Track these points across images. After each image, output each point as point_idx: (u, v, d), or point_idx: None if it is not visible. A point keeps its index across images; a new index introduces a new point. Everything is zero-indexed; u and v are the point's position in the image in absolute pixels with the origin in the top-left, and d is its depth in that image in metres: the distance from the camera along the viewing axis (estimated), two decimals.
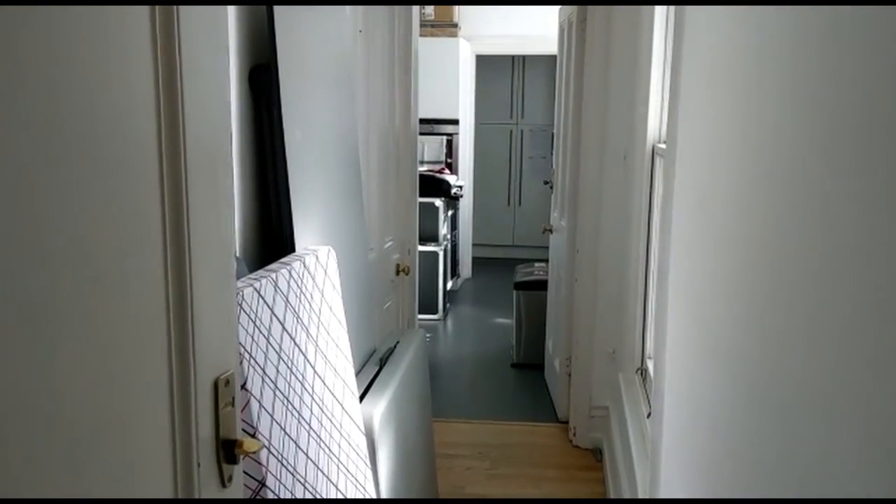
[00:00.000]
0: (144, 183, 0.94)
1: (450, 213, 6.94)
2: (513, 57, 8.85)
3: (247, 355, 1.52)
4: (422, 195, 4.48)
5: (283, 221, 2.09)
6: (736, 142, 1.84)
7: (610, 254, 3.85)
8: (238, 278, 1.73)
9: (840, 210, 0.87)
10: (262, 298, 1.63)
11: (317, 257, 1.99)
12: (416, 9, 4.03)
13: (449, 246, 6.88)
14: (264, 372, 1.59)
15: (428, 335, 5.99)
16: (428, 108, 5.66)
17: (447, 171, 7.33)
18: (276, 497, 1.54)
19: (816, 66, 1.01)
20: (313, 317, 1.90)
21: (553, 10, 6.73)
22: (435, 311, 6.41)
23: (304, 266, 1.89)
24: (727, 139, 1.86)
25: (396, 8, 3.74)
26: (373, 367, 2.62)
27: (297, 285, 1.82)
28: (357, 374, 2.46)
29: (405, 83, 3.92)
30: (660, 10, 2.74)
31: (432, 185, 6.55)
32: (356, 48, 3.03)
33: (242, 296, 1.54)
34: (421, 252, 4.91)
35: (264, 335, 1.61)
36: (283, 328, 1.71)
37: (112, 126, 0.87)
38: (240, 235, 2.03)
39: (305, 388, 1.79)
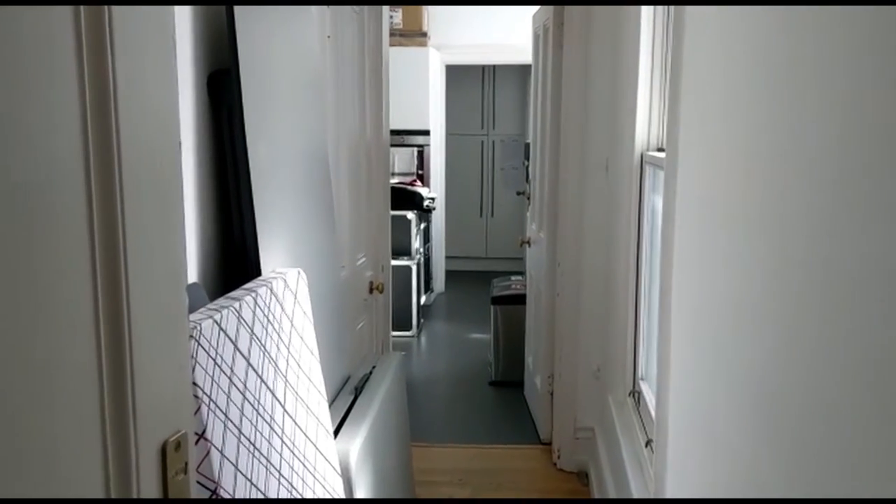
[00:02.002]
0: (66, 211, 0.75)
1: (422, 225, 6.76)
2: (483, 67, 8.72)
3: (206, 399, 1.33)
4: (393, 208, 4.30)
5: (248, 242, 1.89)
6: (744, 150, 1.70)
7: (593, 267, 3.70)
8: (196, 308, 1.54)
9: (855, 222, 0.83)
10: (224, 331, 1.43)
11: (285, 281, 1.79)
12: (385, 16, 3.86)
13: (422, 260, 6.70)
14: (226, 416, 1.39)
15: (402, 353, 5.79)
16: (398, 118, 5.49)
17: (419, 182, 7.16)
18: None
19: (837, 65, 0.89)
20: (282, 349, 1.70)
21: (524, 18, 6.61)
22: (409, 328, 6.21)
23: (272, 292, 1.70)
24: (734, 147, 1.71)
25: (365, 12, 3.57)
26: (347, 396, 2.42)
27: (264, 314, 1.63)
28: (330, 405, 2.27)
29: (376, 92, 3.75)
30: (646, 11, 2.59)
31: (404, 198, 6.37)
32: (325, 54, 2.84)
33: (200, 329, 1.35)
34: (394, 266, 4.72)
35: (226, 374, 1.42)
36: (249, 363, 1.52)
37: (23, 149, 0.69)
38: (199, 259, 1.83)
39: (274, 431, 1.59)
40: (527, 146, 7.58)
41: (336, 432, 2.14)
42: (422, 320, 6.52)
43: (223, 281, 1.94)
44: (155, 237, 0.88)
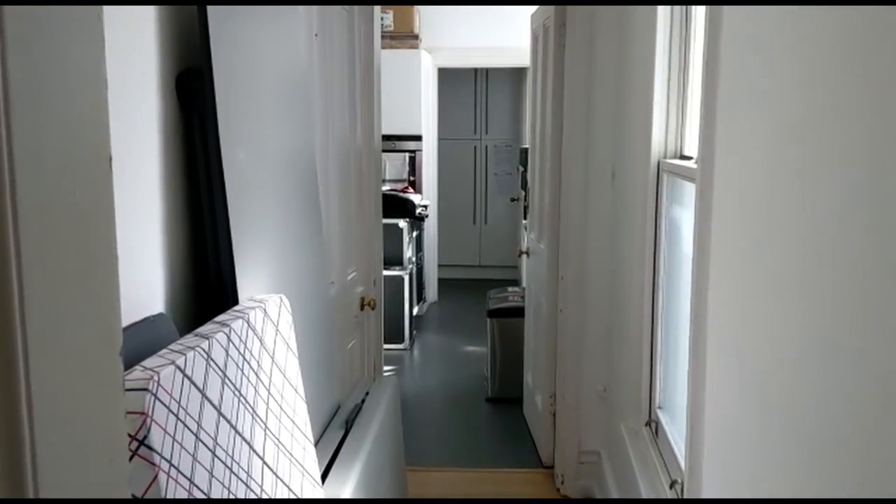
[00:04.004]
0: None
1: (414, 234, 6.53)
2: (476, 70, 8.50)
3: (165, 464, 1.09)
4: (385, 216, 4.07)
5: (223, 263, 1.66)
6: (794, 160, 1.49)
7: (598, 282, 3.47)
8: (162, 344, 1.31)
9: None
10: (189, 378, 1.20)
11: (265, 310, 1.56)
12: (377, 16, 3.63)
13: (414, 269, 6.46)
14: (192, 482, 1.16)
15: (394, 367, 5.56)
16: (389, 123, 5.24)
17: (411, 189, 6.92)
18: None
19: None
20: (261, 390, 1.47)
21: (519, 20, 6.40)
22: (401, 340, 5.97)
23: (249, 325, 1.47)
24: (785, 156, 1.50)
25: (356, 10, 3.34)
26: (337, 431, 2.19)
27: (240, 352, 1.40)
28: (318, 442, 2.03)
29: (368, 94, 3.51)
30: (662, 12, 2.38)
31: (396, 206, 6.13)
32: (312, 54, 2.61)
33: (158, 380, 1.11)
34: (385, 276, 4.47)
35: (191, 430, 1.18)
36: (220, 414, 1.28)
37: None
38: (166, 285, 1.59)
39: (252, 489, 1.36)
40: (521, 151, 7.37)
41: (325, 475, 1.90)
42: (414, 332, 6.28)
43: (195, 309, 1.71)
44: (72, 286, 0.64)
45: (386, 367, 4.65)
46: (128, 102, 1.47)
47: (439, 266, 7.73)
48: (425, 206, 6.79)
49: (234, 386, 1.35)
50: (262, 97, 1.93)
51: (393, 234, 5.86)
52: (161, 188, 1.59)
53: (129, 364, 1.21)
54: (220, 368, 1.30)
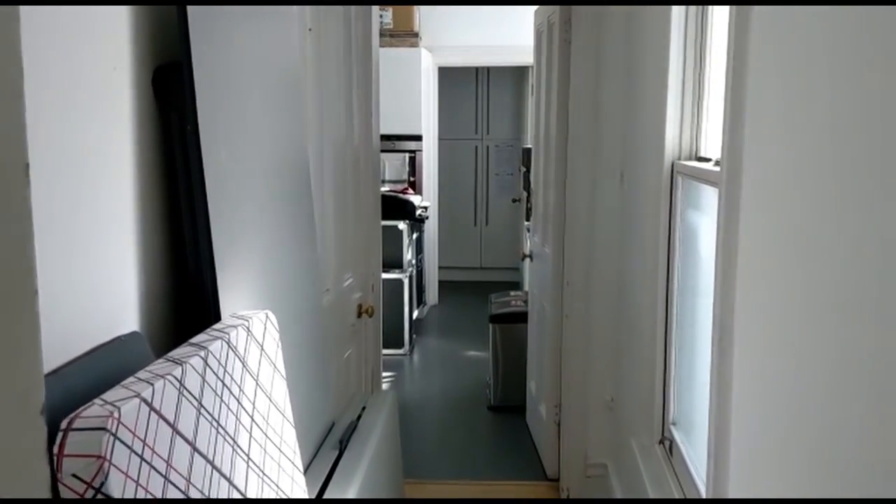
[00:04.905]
0: None
1: (414, 236, 6.38)
2: (476, 68, 8.35)
3: None
4: (384, 218, 3.93)
5: (204, 277, 1.51)
6: (836, 167, 1.35)
7: (606, 288, 3.33)
8: (135, 368, 1.17)
9: None
10: (157, 412, 1.06)
11: (248, 329, 1.42)
12: (375, 12, 3.48)
13: (414, 272, 6.32)
14: None
15: (393, 374, 5.41)
16: (389, 123, 5.10)
17: (410, 190, 6.77)
18: None
19: None
20: (243, 417, 1.33)
21: (521, 18, 6.25)
22: (400, 345, 5.83)
23: (230, 345, 1.32)
24: (821, 162, 1.37)
25: (353, 6, 3.19)
26: (330, 451, 2.05)
27: (218, 377, 1.25)
28: (308, 468, 1.89)
29: (365, 92, 3.37)
30: (677, 10, 2.24)
31: (395, 207, 5.98)
32: (305, 49, 2.47)
33: (118, 418, 0.97)
34: (384, 280, 4.32)
35: (160, 471, 1.04)
36: (195, 449, 1.14)
37: None
38: (141, 300, 1.45)
39: None
40: (524, 151, 7.23)
41: (319, 497, 1.76)
42: (414, 336, 6.13)
43: (174, 326, 1.56)
44: None
45: (385, 374, 4.50)
46: (96, 99, 1.33)
47: (439, 268, 7.59)
48: (425, 208, 6.65)
49: (212, 416, 1.20)
50: (247, 93, 1.79)
51: (392, 237, 5.72)
52: (135, 192, 1.45)
53: (97, 393, 1.07)
54: (194, 398, 1.16)
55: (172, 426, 1.09)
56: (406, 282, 5.83)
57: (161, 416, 1.06)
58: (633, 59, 2.94)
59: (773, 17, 1.35)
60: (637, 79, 2.86)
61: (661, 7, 2.34)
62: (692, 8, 2.24)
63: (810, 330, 1.43)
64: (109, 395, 1.02)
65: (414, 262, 6.34)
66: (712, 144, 2.19)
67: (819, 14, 1.34)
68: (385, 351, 4.38)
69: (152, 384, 1.06)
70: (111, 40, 1.39)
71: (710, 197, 2.04)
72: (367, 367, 3.46)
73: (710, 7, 2.18)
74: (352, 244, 3.22)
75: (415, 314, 6.30)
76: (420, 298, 6.86)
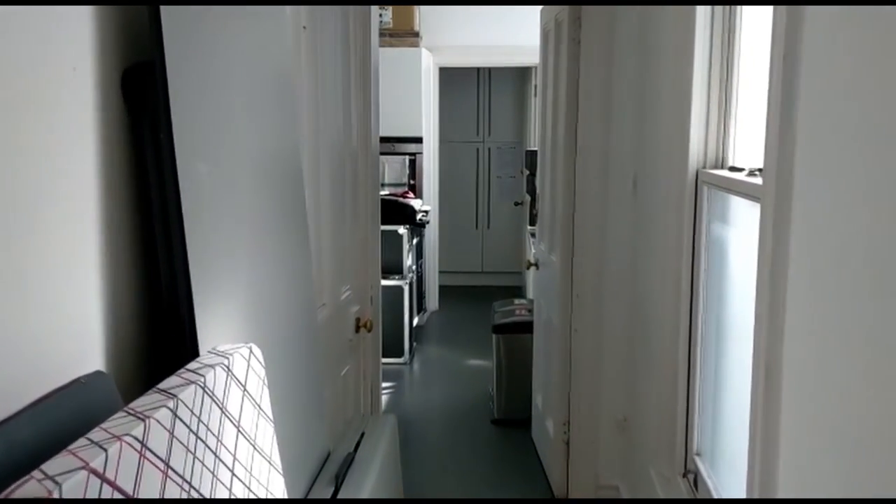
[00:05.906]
0: None
1: (415, 241, 6.20)
2: (478, 69, 8.17)
3: None
4: (384, 222, 3.74)
5: (179, 306, 1.34)
6: None
7: (618, 301, 3.16)
8: (100, 418, 0.99)
9: None
10: (110, 483, 0.88)
11: (229, 368, 1.24)
12: (374, 11, 3.30)
13: (414, 278, 6.13)
14: None
15: (392, 384, 5.23)
16: (388, 125, 4.92)
17: (411, 194, 6.58)
18: None
19: None
20: (222, 472, 1.15)
21: (525, 18, 6.06)
22: (400, 354, 5.64)
23: (205, 390, 1.14)
24: (889, 178, 1.18)
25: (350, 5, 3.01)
26: (326, 487, 1.87)
27: (191, 429, 1.07)
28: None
29: (364, 93, 3.19)
30: (702, 10, 2.07)
31: (395, 211, 5.80)
32: (299, 48, 2.29)
33: (58, 496, 0.79)
34: (384, 287, 4.13)
35: None
36: None
37: None
38: (107, 335, 1.27)
39: None
40: (527, 154, 7.04)
41: None
42: (414, 344, 5.95)
43: (146, 363, 1.38)
44: None
45: (384, 385, 4.32)
46: (50, 106, 1.15)
47: (440, 273, 7.40)
48: (426, 212, 6.47)
49: (182, 477, 1.03)
50: (232, 96, 1.61)
51: (392, 242, 5.53)
52: (100, 211, 1.27)
53: (48, 452, 0.90)
54: (160, 459, 0.98)
55: (130, 497, 0.91)
56: (406, 289, 5.64)
57: (116, 488, 0.88)
58: (649, 60, 2.76)
59: (829, 18, 1.18)
60: (653, 81, 2.68)
61: (683, 7, 2.17)
62: (718, 8, 2.06)
63: (868, 367, 1.26)
64: (52, 466, 0.84)
65: (414, 267, 6.16)
66: (741, 153, 2.02)
67: (881, 14, 1.17)
68: (384, 360, 4.21)
69: (105, 449, 0.88)
70: (69, 38, 1.21)
71: (741, 209, 1.87)
72: (366, 382, 3.28)
73: (738, 7, 2.01)
74: (350, 254, 3.04)
75: (415, 321, 6.12)
76: (420, 305, 6.68)
